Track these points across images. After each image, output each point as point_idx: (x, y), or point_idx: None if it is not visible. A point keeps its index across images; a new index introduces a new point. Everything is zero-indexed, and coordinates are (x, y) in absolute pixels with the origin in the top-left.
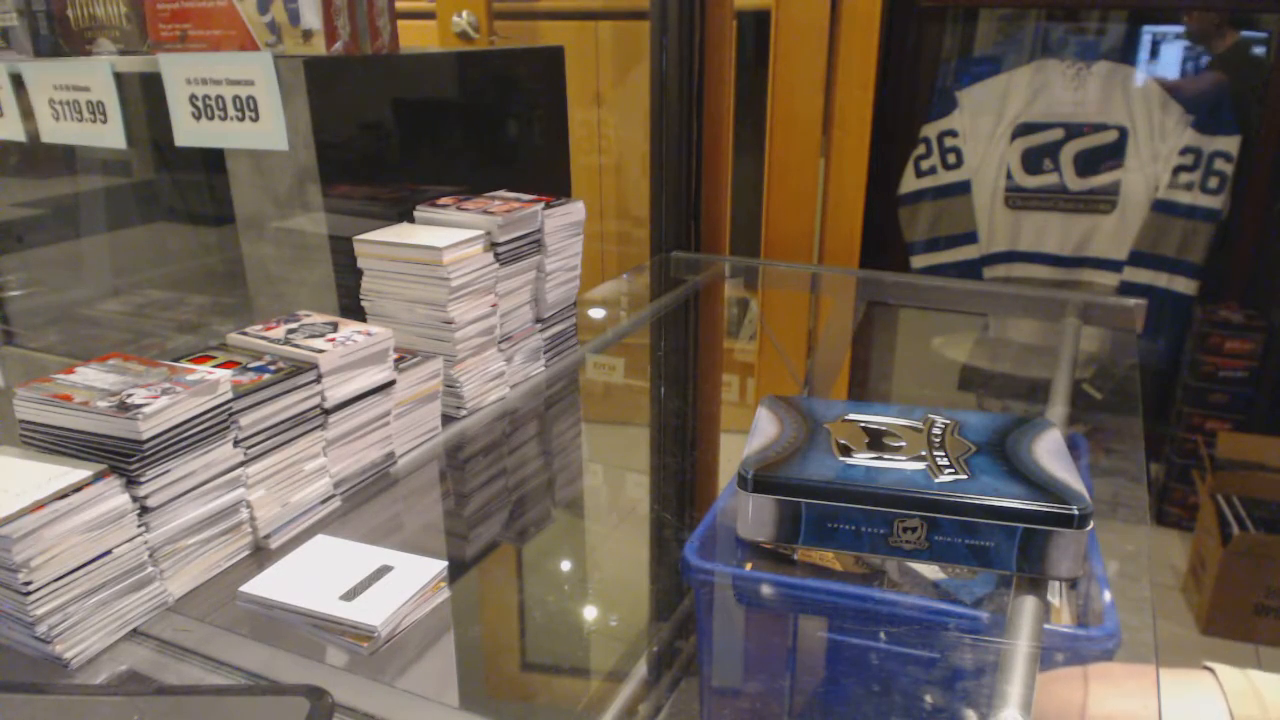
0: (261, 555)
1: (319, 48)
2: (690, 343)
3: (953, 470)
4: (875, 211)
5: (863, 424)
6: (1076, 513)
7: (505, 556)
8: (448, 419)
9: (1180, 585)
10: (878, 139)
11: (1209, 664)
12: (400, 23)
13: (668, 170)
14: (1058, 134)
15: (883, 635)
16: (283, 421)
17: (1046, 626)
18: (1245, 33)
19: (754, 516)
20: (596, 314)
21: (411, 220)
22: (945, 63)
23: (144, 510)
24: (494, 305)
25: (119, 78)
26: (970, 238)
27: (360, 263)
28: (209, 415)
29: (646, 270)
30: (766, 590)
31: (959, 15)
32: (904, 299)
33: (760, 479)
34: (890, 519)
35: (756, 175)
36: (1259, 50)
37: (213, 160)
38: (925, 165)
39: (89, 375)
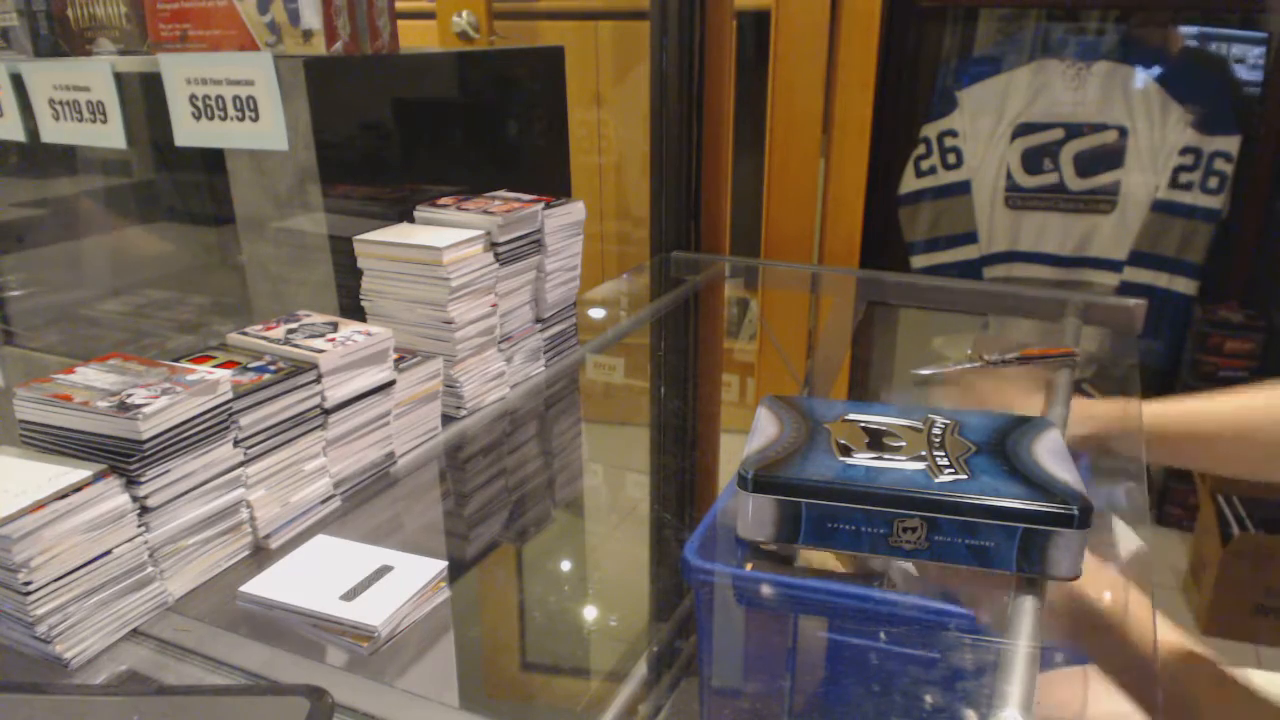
0: (261, 555)
1: (319, 48)
2: (690, 343)
3: (953, 470)
4: (875, 211)
5: (863, 424)
6: (1076, 513)
7: (505, 556)
8: (448, 419)
9: (1180, 585)
10: (878, 139)
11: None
12: (400, 23)
13: (668, 170)
14: (1058, 134)
15: (883, 635)
16: (283, 421)
17: None
18: (1247, 32)
19: (754, 516)
20: (596, 314)
21: (411, 220)
22: (945, 63)
23: (144, 510)
24: (494, 305)
25: (119, 78)
26: (970, 238)
27: (360, 263)
28: (209, 415)
29: (646, 270)
30: (766, 590)
31: (959, 15)
32: (904, 299)
33: (760, 479)
34: (890, 519)
35: (756, 175)
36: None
37: (213, 160)
38: (925, 165)
39: (89, 375)
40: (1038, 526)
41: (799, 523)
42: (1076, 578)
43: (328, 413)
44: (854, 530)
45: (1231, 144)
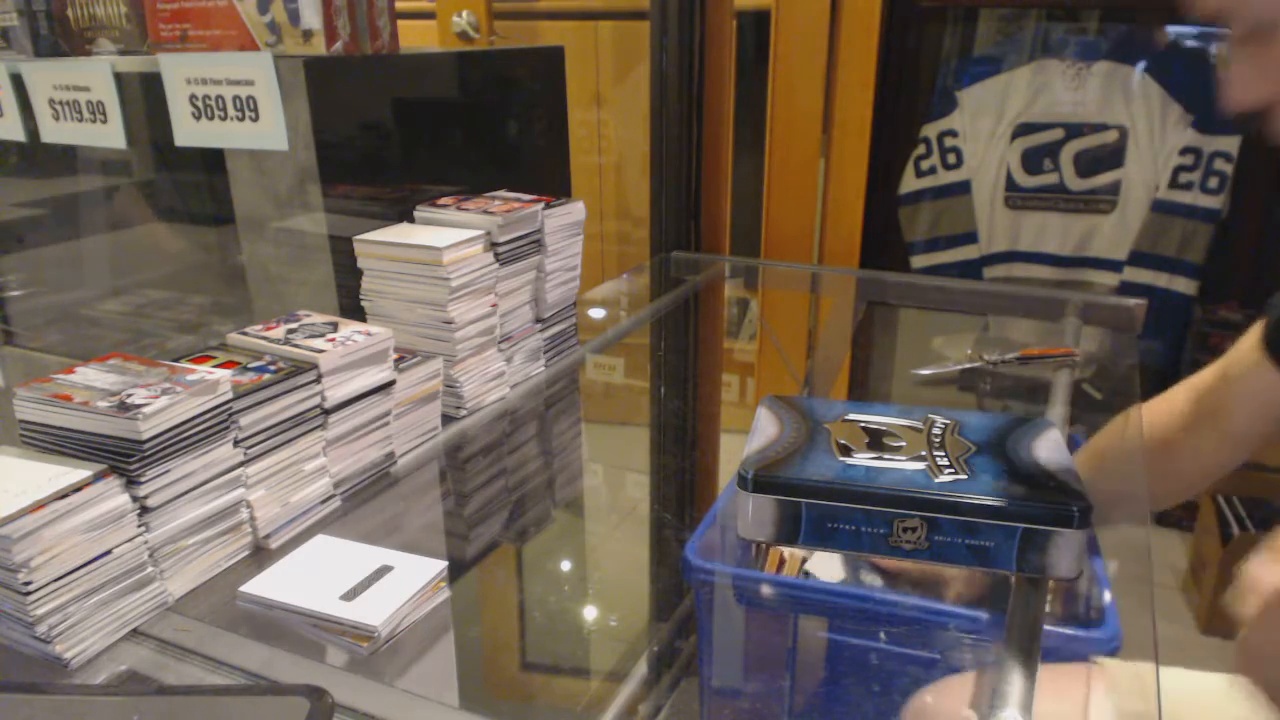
0: (261, 555)
1: (319, 48)
2: (690, 343)
3: (953, 470)
4: (875, 211)
5: (863, 424)
6: (1076, 512)
7: (505, 556)
8: (448, 419)
9: (1180, 585)
10: (878, 139)
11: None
12: (400, 23)
13: (668, 170)
14: (1058, 134)
15: (883, 635)
16: (283, 421)
17: (1046, 627)
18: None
19: (754, 517)
20: (596, 314)
21: (411, 220)
22: (945, 63)
23: (144, 510)
24: (494, 305)
25: (119, 78)
26: (970, 238)
27: (360, 263)
28: (209, 415)
29: (646, 270)
30: (766, 590)
31: (959, 15)
32: (904, 299)
33: (760, 479)
34: (890, 519)
35: (756, 175)
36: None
37: (213, 160)
38: (925, 165)
39: (89, 375)
40: (1037, 526)
41: (799, 523)
42: (1077, 577)
43: (328, 413)
44: (854, 530)
45: (1231, 144)
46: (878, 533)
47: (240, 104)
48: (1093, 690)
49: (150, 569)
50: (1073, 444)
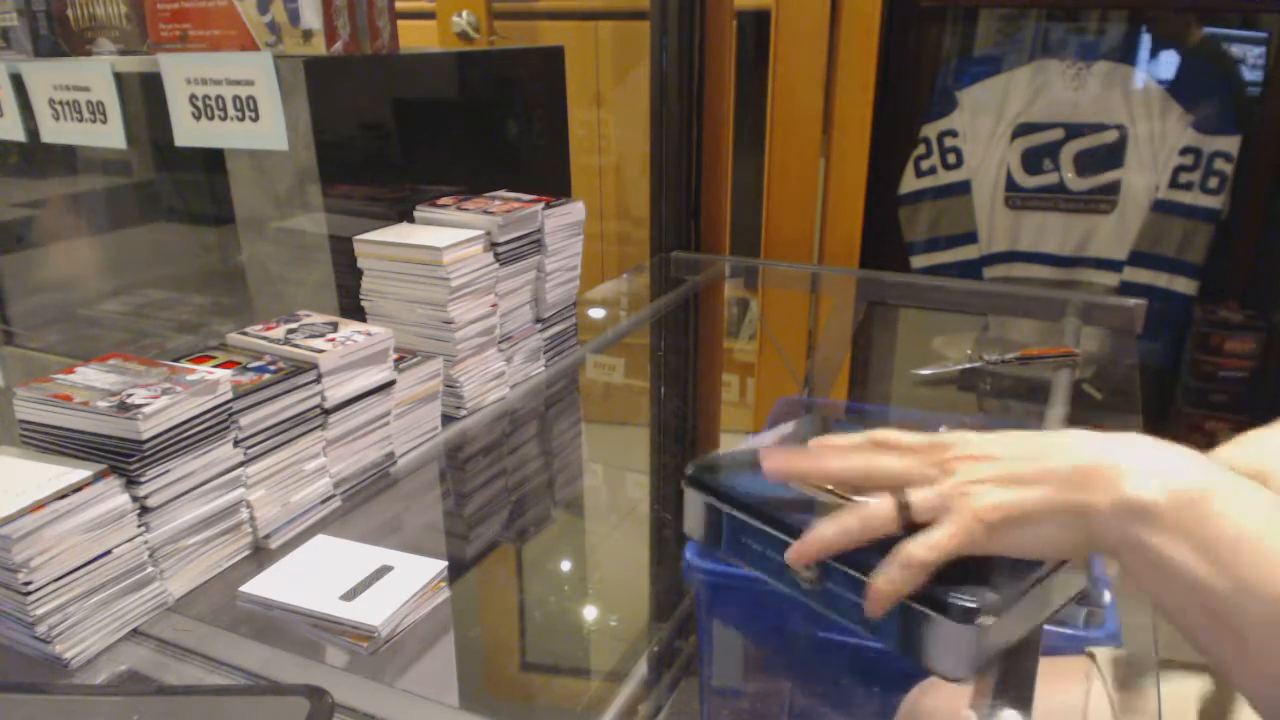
0: (261, 555)
1: (319, 48)
2: (690, 343)
3: None
4: (875, 211)
5: None
6: (955, 603)
7: (505, 556)
8: (448, 419)
9: None
10: (878, 139)
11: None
12: (400, 23)
13: (668, 170)
14: (1058, 134)
15: None
16: (283, 421)
17: (1046, 626)
18: (1247, 32)
19: (690, 513)
20: (596, 314)
21: (411, 220)
22: (945, 63)
23: (144, 510)
24: (494, 305)
25: (119, 78)
26: (970, 238)
27: (360, 263)
28: (209, 415)
29: (646, 270)
30: (767, 590)
31: (959, 15)
32: (904, 299)
33: (694, 476)
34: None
35: (756, 175)
36: (1231, 46)
37: (213, 160)
38: (925, 165)
39: (89, 375)
40: (915, 606)
41: (720, 529)
42: (962, 680)
43: (328, 413)
44: (760, 551)
45: (1232, 144)
46: (779, 560)
47: (240, 104)
48: (1091, 683)
49: (150, 569)
50: None
